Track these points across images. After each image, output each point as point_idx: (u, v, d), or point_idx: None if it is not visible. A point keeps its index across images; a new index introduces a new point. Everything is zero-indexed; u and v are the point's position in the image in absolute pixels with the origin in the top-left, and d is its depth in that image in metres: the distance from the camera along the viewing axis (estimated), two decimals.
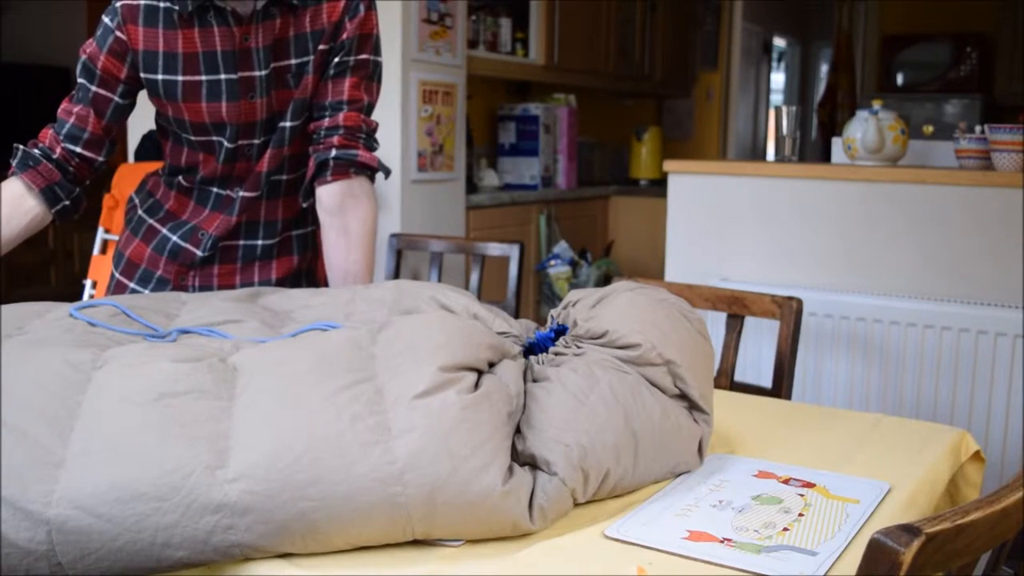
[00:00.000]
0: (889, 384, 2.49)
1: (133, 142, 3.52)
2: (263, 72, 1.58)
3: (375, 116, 1.70)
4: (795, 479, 1.20)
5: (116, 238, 2.34)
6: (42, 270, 5.61)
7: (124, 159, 3.74)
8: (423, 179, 3.48)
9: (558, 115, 4.49)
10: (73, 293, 4.54)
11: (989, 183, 2.40)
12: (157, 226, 1.73)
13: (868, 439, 1.39)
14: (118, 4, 1.58)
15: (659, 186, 4.97)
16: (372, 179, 1.69)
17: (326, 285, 1.76)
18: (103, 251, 2.98)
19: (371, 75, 1.66)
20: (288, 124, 1.64)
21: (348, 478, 0.96)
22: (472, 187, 4.05)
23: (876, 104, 2.69)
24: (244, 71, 1.58)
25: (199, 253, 1.69)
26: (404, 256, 3.18)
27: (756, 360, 2.61)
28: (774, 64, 7.82)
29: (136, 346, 1.15)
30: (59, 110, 1.63)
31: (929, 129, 3.16)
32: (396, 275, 3.06)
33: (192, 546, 0.94)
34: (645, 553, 0.99)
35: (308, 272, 1.81)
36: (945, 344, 2.40)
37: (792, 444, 1.36)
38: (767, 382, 1.97)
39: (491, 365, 1.13)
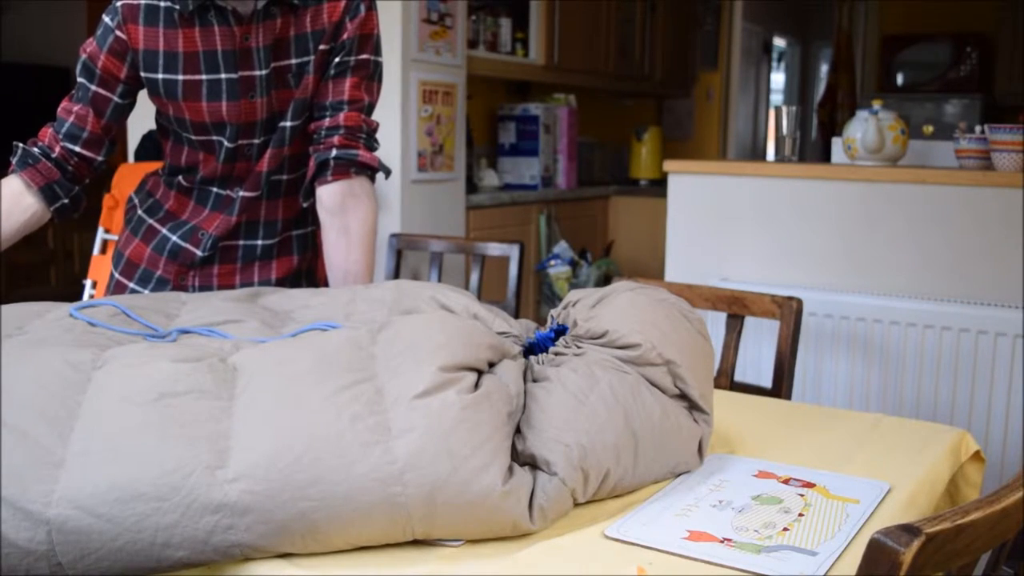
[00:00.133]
0: (889, 384, 2.49)
1: (133, 142, 3.52)
2: (263, 72, 1.59)
3: (375, 116, 1.70)
4: (795, 479, 1.20)
5: (116, 238, 2.34)
6: (42, 270, 5.61)
7: (124, 159, 3.74)
8: (423, 179, 3.48)
9: (558, 115, 4.49)
10: (73, 293, 4.54)
11: (989, 183, 2.40)
12: (157, 226, 1.73)
13: (868, 439, 1.39)
14: (119, 3, 1.58)
15: (659, 186, 4.97)
16: (372, 179, 1.69)
17: (326, 285, 1.76)
18: (103, 251, 2.98)
19: (371, 75, 1.66)
20: (288, 124, 1.64)
21: (348, 478, 0.96)
22: (472, 187, 4.05)
23: (876, 104, 2.69)
24: (244, 71, 1.58)
25: (199, 253, 1.69)
26: (404, 256, 3.18)
27: (756, 360, 2.61)
28: (774, 64, 7.82)
29: (136, 346, 1.15)
30: (59, 109, 1.63)
31: (929, 129, 3.16)
32: (396, 275, 3.06)
33: (192, 546, 0.94)
34: (645, 553, 0.99)
35: (308, 272, 1.81)
36: (945, 344, 2.40)
37: (792, 444, 1.36)
38: (767, 382, 1.97)
39: (491, 365, 1.13)
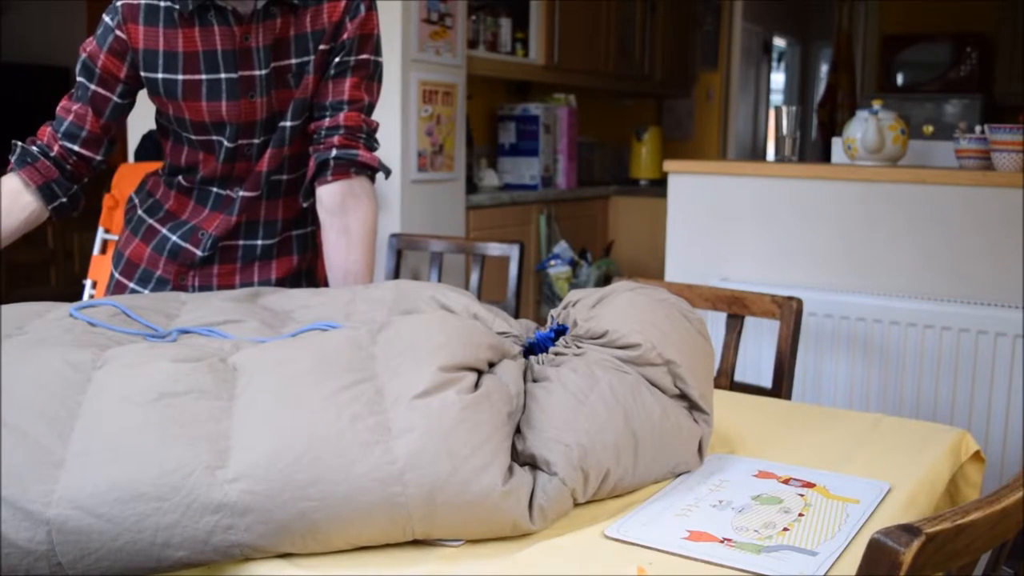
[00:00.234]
0: (889, 384, 2.49)
1: (133, 142, 3.52)
2: (263, 71, 1.59)
3: (375, 116, 1.70)
4: (795, 479, 1.20)
5: (116, 238, 2.34)
6: (42, 270, 5.61)
7: (124, 159, 3.74)
8: (423, 179, 3.48)
9: (558, 115, 4.49)
10: (73, 293, 4.55)
11: (989, 183, 2.40)
12: (157, 226, 1.73)
13: (868, 439, 1.39)
14: (119, 3, 1.58)
15: (659, 186, 4.97)
16: (372, 179, 1.70)
17: (326, 285, 1.76)
18: (103, 251, 2.98)
19: (372, 75, 1.66)
20: (288, 124, 1.64)
21: (348, 478, 0.96)
22: (472, 187, 4.05)
23: (876, 104, 2.69)
24: (244, 70, 1.58)
25: (199, 253, 1.69)
26: (404, 256, 3.18)
27: (756, 360, 2.61)
28: (774, 64, 7.82)
29: (136, 346, 1.15)
30: (58, 108, 1.63)
31: (929, 129, 3.16)
32: (396, 275, 3.06)
33: (192, 546, 0.94)
34: (645, 553, 0.99)
35: (308, 272, 1.81)
36: (945, 344, 2.40)
37: (792, 444, 1.36)
38: (767, 382, 1.97)
39: (491, 365, 1.13)
